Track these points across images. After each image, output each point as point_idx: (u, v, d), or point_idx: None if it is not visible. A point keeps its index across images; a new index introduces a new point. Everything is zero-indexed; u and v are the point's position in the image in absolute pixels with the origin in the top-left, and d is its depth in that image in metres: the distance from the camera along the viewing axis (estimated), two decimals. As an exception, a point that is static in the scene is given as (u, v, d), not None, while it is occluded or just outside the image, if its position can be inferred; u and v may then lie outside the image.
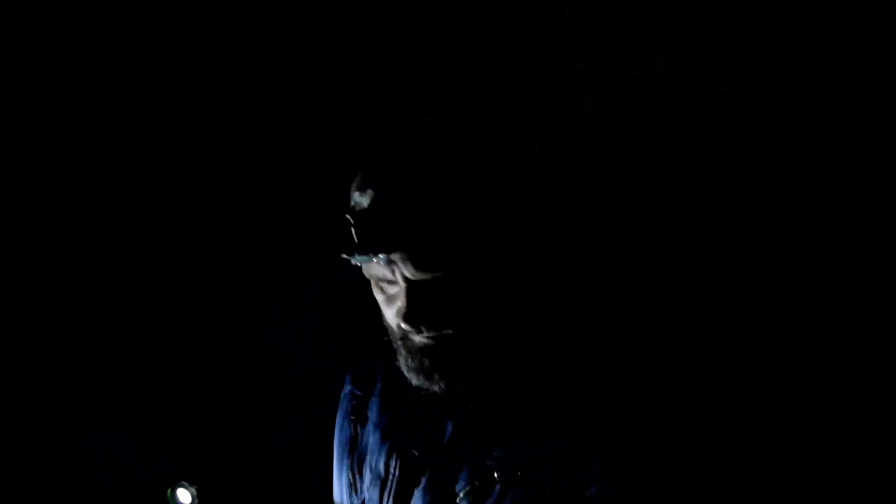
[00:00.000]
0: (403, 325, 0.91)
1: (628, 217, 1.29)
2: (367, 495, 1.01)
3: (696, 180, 1.29)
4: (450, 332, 0.92)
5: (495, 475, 0.92)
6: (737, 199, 1.27)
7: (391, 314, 0.95)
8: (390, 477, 0.98)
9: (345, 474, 1.05)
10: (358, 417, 1.06)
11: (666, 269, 1.27)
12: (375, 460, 1.00)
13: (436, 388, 0.95)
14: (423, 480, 0.95)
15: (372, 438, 1.03)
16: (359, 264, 0.94)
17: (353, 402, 1.07)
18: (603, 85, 1.31)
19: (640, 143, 1.30)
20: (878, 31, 1.20)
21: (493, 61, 1.31)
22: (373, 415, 1.04)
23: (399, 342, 0.96)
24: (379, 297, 0.96)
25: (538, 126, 1.30)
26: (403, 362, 0.96)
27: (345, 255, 0.90)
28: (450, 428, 0.97)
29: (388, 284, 0.94)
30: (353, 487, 1.03)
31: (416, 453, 0.98)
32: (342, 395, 1.11)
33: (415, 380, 0.95)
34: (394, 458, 0.98)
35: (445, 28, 1.31)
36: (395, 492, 0.97)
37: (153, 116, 1.35)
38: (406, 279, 0.90)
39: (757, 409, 1.19)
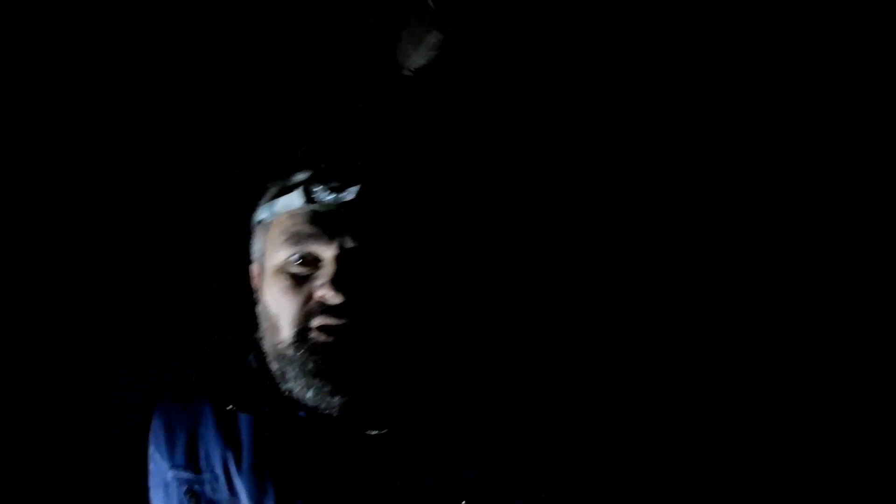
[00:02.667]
0: (325, 294, 0.87)
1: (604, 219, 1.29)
2: None
3: (685, 180, 1.29)
4: (364, 316, 0.87)
5: None
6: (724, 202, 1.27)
7: (296, 300, 0.89)
8: None
9: None
10: (201, 502, 0.89)
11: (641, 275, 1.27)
12: None
13: (336, 401, 0.88)
14: None
15: None
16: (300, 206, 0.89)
17: (186, 487, 0.90)
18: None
19: (627, 142, 1.30)
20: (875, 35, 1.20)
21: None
22: (226, 496, 0.88)
23: (295, 346, 0.89)
24: (282, 285, 0.91)
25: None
26: (298, 371, 0.89)
27: (306, 191, 0.88)
28: (367, 489, 0.86)
29: (301, 266, 0.90)
30: None
31: None
32: (160, 478, 0.93)
33: (311, 392, 0.88)
34: None
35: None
36: None
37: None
38: (340, 247, 0.88)
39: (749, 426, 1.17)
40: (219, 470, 0.91)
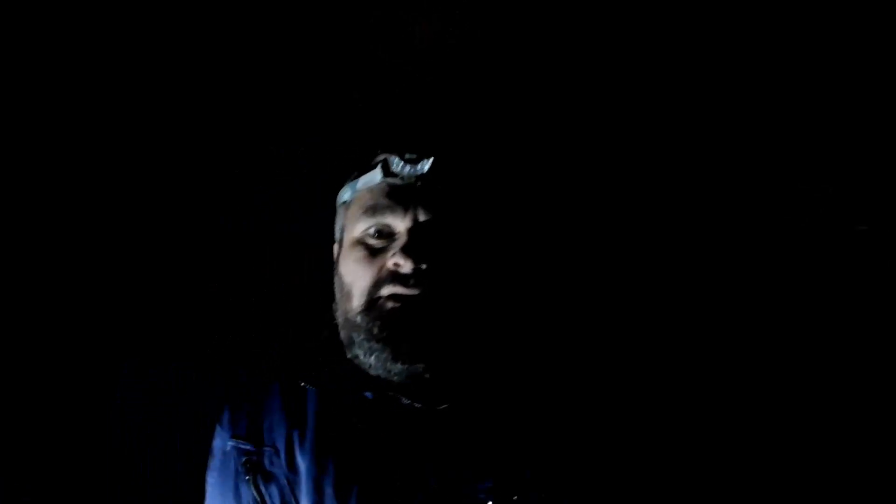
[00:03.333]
0: (397, 263, 0.90)
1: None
2: None
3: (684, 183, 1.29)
4: (433, 287, 0.90)
5: None
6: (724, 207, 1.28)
7: (370, 270, 0.93)
8: None
9: None
10: (257, 475, 0.90)
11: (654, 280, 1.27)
12: None
13: (397, 368, 0.90)
14: None
15: (309, 497, 0.87)
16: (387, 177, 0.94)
17: (244, 459, 0.91)
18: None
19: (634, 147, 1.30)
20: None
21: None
22: (286, 470, 0.89)
23: (363, 313, 0.92)
24: (357, 255, 0.95)
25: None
26: (363, 337, 0.91)
27: (385, 159, 0.93)
28: (432, 482, 0.86)
29: (376, 238, 0.94)
30: None
31: None
32: (221, 453, 0.96)
33: (374, 358, 0.91)
34: None
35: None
36: None
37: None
38: (414, 219, 0.91)
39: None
40: (280, 445, 0.92)
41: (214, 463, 0.98)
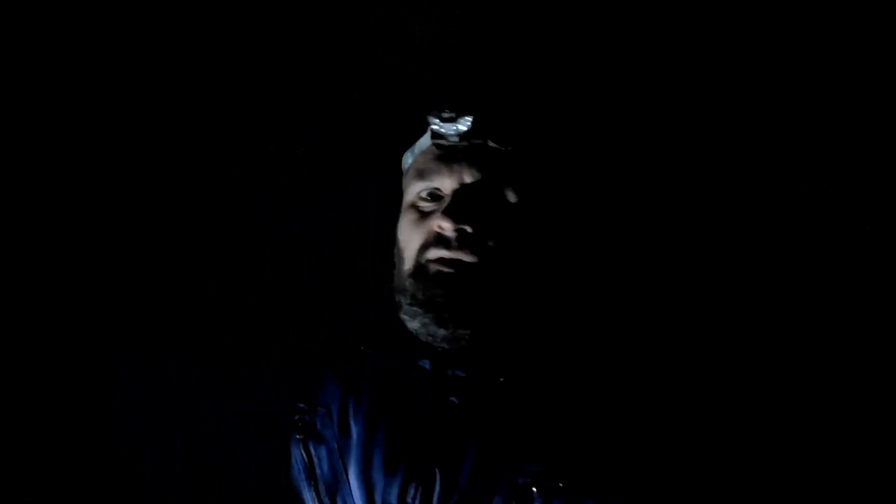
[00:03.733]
0: (444, 224, 0.89)
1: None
2: None
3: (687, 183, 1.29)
4: (478, 251, 0.88)
5: (533, 491, 0.82)
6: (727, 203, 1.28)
7: (419, 233, 0.92)
8: None
9: None
10: (307, 435, 0.92)
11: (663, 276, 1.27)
12: (382, 493, 0.85)
13: (440, 333, 0.89)
14: None
15: (356, 467, 0.87)
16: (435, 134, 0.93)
17: (297, 416, 0.93)
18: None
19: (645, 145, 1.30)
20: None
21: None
22: (337, 434, 0.90)
23: (411, 277, 0.91)
24: (409, 218, 0.94)
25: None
26: (409, 301, 0.90)
27: (433, 119, 0.92)
28: (472, 449, 0.85)
29: (427, 201, 0.94)
30: None
31: (437, 481, 0.83)
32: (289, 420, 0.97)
33: (417, 323, 0.90)
34: (412, 489, 0.84)
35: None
36: None
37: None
38: (459, 180, 0.91)
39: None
40: (335, 408, 0.92)
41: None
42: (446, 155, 0.95)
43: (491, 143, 0.95)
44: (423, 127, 1.05)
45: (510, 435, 0.86)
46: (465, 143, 0.94)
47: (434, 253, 0.91)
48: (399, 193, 1.10)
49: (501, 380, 0.89)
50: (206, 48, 1.34)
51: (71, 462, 1.29)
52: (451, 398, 0.89)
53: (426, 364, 0.93)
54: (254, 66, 1.35)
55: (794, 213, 1.26)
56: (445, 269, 0.89)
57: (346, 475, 0.88)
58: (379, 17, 1.33)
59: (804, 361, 1.21)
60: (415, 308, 0.91)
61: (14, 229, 1.31)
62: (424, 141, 0.99)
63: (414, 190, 0.96)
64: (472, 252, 0.89)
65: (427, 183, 0.95)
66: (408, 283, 0.92)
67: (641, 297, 1.25)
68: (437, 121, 0.95)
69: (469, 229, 0.89)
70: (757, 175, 1.28)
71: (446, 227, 0.89)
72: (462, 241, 0.89)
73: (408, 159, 1.04)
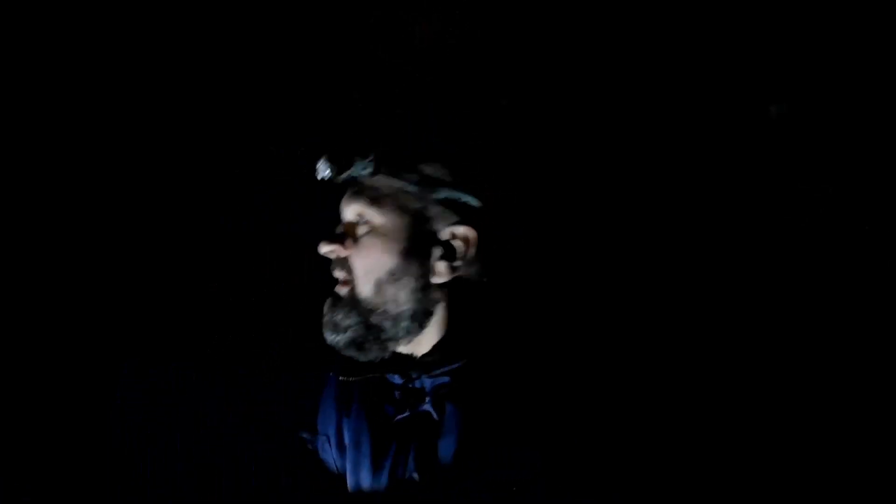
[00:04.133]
0: (324, 249, 0.99)
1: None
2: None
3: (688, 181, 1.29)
4: (350, 274, 0.97)
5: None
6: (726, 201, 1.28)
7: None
8: None
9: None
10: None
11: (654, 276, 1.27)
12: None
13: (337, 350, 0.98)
14: None
15: (353, 481, 0.99)
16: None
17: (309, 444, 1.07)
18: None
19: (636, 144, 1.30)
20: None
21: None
22: (332, 455, 1.02)
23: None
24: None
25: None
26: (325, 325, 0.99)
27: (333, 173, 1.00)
28: (451, 449, 0.93)
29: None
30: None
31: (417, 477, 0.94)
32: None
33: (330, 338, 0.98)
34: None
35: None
36: None
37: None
38: (343, 212, 1.01)
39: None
40: (332, 433, 1.03)
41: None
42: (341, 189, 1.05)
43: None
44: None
45: (475, 438, 0.93)
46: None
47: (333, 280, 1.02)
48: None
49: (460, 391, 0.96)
50: (206, 48, 1.35)
51: (71, 462, 1.29)
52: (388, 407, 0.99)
53: (395, 378, 1.01)
54: (254, 66, 1.35)
55: (794, 213, 1.26)
56: (333, 302, 1.00)
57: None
58: (379, 17, 1.33)
59: (804, 361, 1.21)
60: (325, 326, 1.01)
61: (14, 230, 1.31)
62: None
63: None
64: (346, 268, 0.99)
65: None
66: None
67: (641, 298, 1.25)
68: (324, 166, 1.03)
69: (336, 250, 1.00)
70: (757, 175, 1.28)
71: (323, 251, 1.01)
72: (343, 268, 1.00)
73: None
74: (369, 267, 0.96)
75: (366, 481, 0.96)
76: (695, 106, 1.30)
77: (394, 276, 0.96)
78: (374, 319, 0.96)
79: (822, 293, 1.23)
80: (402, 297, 0.96)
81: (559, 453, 0.92)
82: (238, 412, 1.35)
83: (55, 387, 1.30)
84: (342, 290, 0.99)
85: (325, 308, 1.00)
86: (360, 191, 1.01)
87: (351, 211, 1.01)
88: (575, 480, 0.91)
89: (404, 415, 0.97)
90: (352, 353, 0.97)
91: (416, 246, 0.97)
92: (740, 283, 1.25)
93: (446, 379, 0.97)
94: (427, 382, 0.97)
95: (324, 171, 1.00)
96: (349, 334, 0.96)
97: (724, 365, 1.21)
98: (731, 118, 1.29)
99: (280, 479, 1.09)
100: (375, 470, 0.96)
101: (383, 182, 0.99)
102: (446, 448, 0.92)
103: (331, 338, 0.98)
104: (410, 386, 0.99)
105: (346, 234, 1.01)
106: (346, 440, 1.00)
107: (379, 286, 0.96)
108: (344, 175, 1.00)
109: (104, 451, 1.31)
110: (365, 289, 0.96)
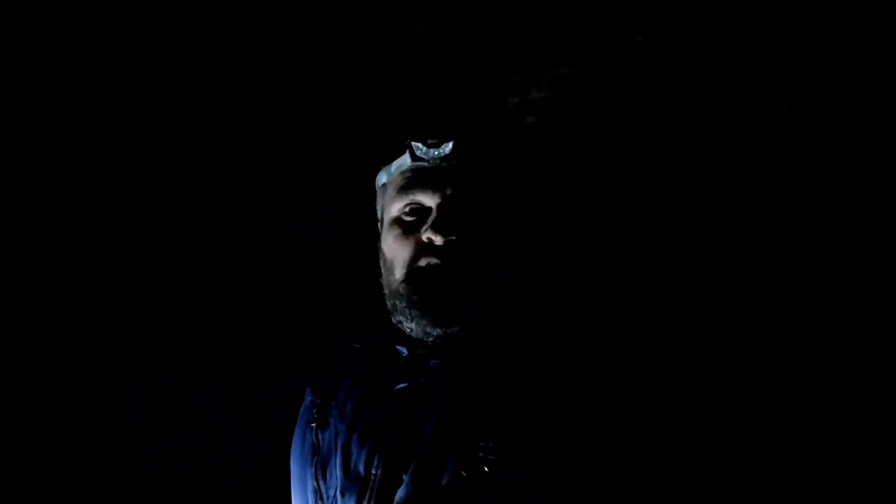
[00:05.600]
0: (433, 236, 1.01)
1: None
2: (338, 500, 0.99)
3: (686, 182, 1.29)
4: (463, 256, 1.01)
5: (485, 467, 0.92)
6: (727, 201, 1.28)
7: (407, 244, 1.04)
8: (371, 478, 0.97)
9: (309, 483, 1.04)
10: (318, 424, 1.05)
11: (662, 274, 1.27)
12: (354, 462, 0.99)
13: (435, 331, 1.01)
14: (406, 477, 0.94)
15: (341, 441, 1.02)
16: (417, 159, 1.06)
17: (314, 410, 1.07)
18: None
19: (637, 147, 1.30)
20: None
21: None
22: (336, 419, 1.04)
23: (404, 283, 1.02)
24: (395, 233, 1.05)
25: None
26: (406, 302, 1.02)
27: (416, 144, 1.05)
28: (432, 422, 0.97)
29: (410, 215, 1.05)
30: (318, 494, 1.02)
31: (398, 451, 0.97)
32: (303, 407, 1.10)
33: (414, 324, 1.01)
34: (375, 458, 0.97)
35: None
36: (378, 491, 0.96)
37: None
38: (442, 196, 1.03)
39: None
40: (340, 397, 1.06)
41: (300, 414, 1.11)
42: (426, 173, 1.07)
43: (467, 163, 1.08)
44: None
45: (470, 413, 0.97)
46: (444, 164, 1.07)
47: (424, 261, 1.03)
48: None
49: (462, 366, 1.01)
50: (206, 49, 1.35)
51: (71, 462, 1.29)
52: (421, 378, 1.02)
53: (403, 350, 1.05)
54: (254, 66, 1.35)
55: (794, 213, 1.26)
56: (435, 275, 1.02)
57: (336, 452, 1.02)
58: (379, 17, 1.33)
59: (804, 360, 1.21)
60: (412, 311, 1.03)
61: (14, 230, 1.31)
62: (402, 161, 1.10)
63: (397, 206, 1.07)
64: (457, 258, 1.02)
65: (409, 199, 1.06)
66: (401, 288, 1.04)
67: (641, 297, 1.25)
68: (420, 145, 1.08)
69: (454, 238, 1.02)
70: (757, 175, 1.28)
71: (436, 238, 1.01)
72: (449, 249, 1.01)
73: (382, 178, 1.14)
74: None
75: (355, 453, 1.00)
76: (695, 106, 1.30)
77: None
78: None
79: (822, 293, 1.23)
80: None
81: (553, 451, 0.94)
82: (238, 412, 1.35)
83: (55, 387, 1.30)
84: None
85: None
86: None
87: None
88: (569, 475, 0.93)
89: (403, 385, 1.01)
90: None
91: None
92: (740, 283, 1.26)
93: (449, 358, 1.01)
94: (432, 360, 1.02)
95: (445, 149, 1.06)
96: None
97: (724, 364, 1.21)
98: (731, 118, 1.29)
99: (280, 478, 1.09)
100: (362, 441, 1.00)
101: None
102: (431, 423, 0.97)
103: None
104: (414, 358, 1.03)
105: None
106: (348, 407, 1.04)
107: None
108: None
109: (104, 451, 1.31)
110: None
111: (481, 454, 0.93)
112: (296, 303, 1.35)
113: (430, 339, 1.02)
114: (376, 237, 1.13)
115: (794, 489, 1.15)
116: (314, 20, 1.34)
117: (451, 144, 1.06)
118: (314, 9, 1.33)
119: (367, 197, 1.25)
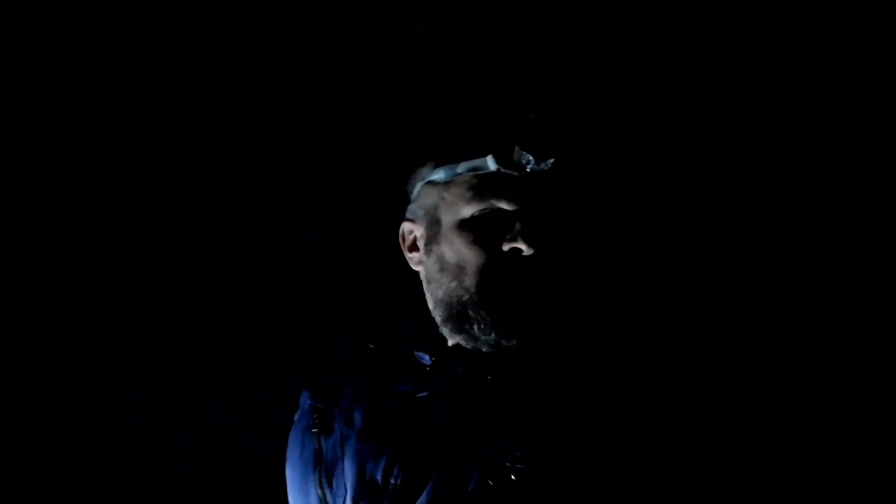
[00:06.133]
0: (518, 246, 0.98)
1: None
2: None
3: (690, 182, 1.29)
4: (546, 269, 0.99)
5: (512, 476, 0.90)
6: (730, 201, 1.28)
7: (484, 251, 1.00)
8: (390, 487, 0.93)
9: (312, 491, 0.99)
10: (321, 430, 1.02)
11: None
12: (370, 470, 0.95)
13: (513, 341, 0.98)
14: (429, 488, 0.91)
15: (350, 448, 0.98)
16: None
17: (315, 415, 1.03)
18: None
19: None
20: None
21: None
22: (342, 425, 1.00)
23: (482, 291, 0.99)
24: (467, 238, 1.01)
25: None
26: (483, 310, 0.99)
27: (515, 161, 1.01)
28: (456, 432, 0.94)
29: (488, 221, 1.01)
30: (324, 502, 0.98)
31: (421, 461, 0.93)
32: (300, 411, 1.08)
33: (491, 333, 0.98)
34: (396, 467, 0.93)
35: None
36: (396, 501, 0.92)
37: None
38: (531, 205, 1.00)
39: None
40: (345, 403, 1.03)
41: (296, 419, 1.08)
42: (512, 181, 1.03)
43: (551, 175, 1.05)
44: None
45: (506, 432, 0.94)
46: (529, 174, 1.03)
47: (507, 270, 0.99)
48: (401, 193, 1.12)
49: (489, 377, 0.98)
50: (206, 48, 1.35)
51: (71, 462, 1.29)
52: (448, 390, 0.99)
53: (423, 357, 1.02)
54: (254, 66, 1.35)
55: (794, 213, 1.26)
56: (520, 285, 0.99)
57: (343, 459, 0.98)
58: (379, 17, 1.33)
59: (804, 361, 1.21)
60: (490, 319, 0.99)
61: (14, 230, 1.31)
62: (481, 164, 1.04)
63: (469, 209, 1.02)
64: (539, 270, 1.00)
65: (488, 203, 1.02)
66: (476, 296, 1.00)
67: (641, 298, 1.25)
68: (519, 156, 1.03)
69: (535, 251, 0.99)
70: (757, 175, 1.28)
71: (524, 248, 0.98)
72: (532, 260, 0.99)
73: (438, 174, 1.07)
74: None
75: (369, 462, 0.97)
76: (695, 105, 1.30)
77: None
78: None
79: (822, 293, 1.23)
80: None
81: (563, 461, 0.92)
82: (238, 412, 1.35)
83: (55, 387, 1.30)
84: None
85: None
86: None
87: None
88: (576, 480, 0.91)
89: (424, 394, 0.98)
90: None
91: None
92: (740, 283, 1.26)
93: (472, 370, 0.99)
94: (459, 368, 1.00)
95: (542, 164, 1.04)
96: None
97: (724, 365, 1.21)
98: (731, 118, 1.29)
99: (280, 479, 1.09)
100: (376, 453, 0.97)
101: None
102: (454, 432, 0.94)
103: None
104: (440, 366, 1.01)
105: None
106: (357, 415, 1.01)
107: None
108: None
109: (104, 451, 1.31)
110: None
111: (508, 463, 0.90)
112: (296, 303, 1.35)
113: (501, 348, 1.00)
114: (376, 237, 1.10)
115: (795, 489, 1.14)
116: (314, 20, 1.34)
117: (550, 162, 1.03)
118: (314, 9, 1.33)
119: (368, 197, 1.25)
